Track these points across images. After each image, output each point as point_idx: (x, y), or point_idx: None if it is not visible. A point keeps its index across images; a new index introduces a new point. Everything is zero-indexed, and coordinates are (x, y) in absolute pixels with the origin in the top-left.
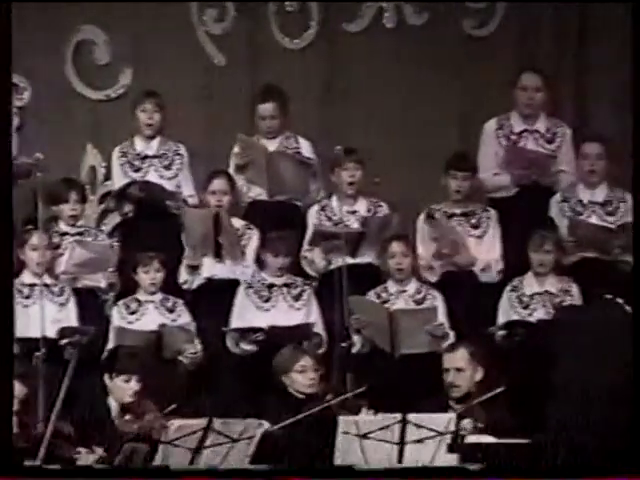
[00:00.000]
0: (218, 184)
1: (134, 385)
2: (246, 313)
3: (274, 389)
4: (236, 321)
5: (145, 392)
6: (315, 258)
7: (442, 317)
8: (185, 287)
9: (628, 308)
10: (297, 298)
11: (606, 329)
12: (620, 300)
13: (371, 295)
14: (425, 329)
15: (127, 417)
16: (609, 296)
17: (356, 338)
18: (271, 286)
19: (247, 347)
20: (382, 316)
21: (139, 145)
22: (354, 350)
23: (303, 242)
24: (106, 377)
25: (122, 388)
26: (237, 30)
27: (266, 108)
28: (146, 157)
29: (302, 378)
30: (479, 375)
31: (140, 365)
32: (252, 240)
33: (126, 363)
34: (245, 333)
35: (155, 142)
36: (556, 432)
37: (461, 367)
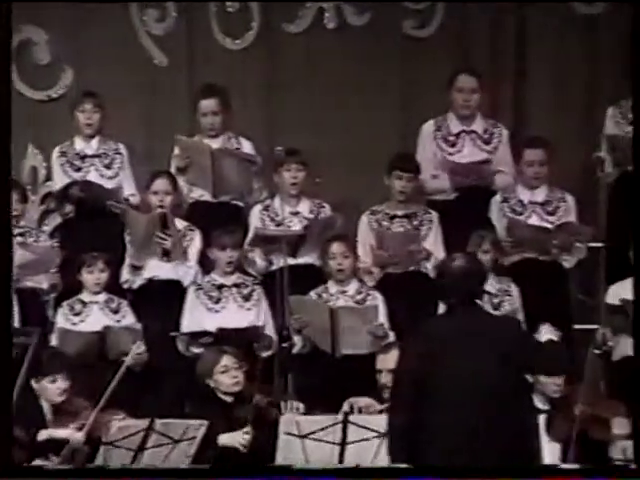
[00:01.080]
0: (160, 184)
1: (61, 384)
2: (196, 314)
3: (202, 393)
4: (186, 323)
5: (75, 390)
6: (256, 258)
7: (382, 318)
8: (126, 286)
9: (494, 312)
10: (247, 298)
11: (477, 335)
12: (480, 303)
13: (312, 295)
14: (366, 329)
15: (61, 417)
16: (476, 301)
17: (297, 338)
18: (221, 287)
19: (197, 350)
20: (324, 315)
21: (79, 145)
22: (295, 350)
23: (246, 242)
24: (33, 381)
25: (49, 389)
26: (178, 30)
27: (208, 104)
28: (86, 157)
29: (225, 378)
30: None
31: (64, 364)
32: (194, 241)
33: (49, 364)
34: (195, 336)
35: (94, 141)
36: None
37: (393, 368)
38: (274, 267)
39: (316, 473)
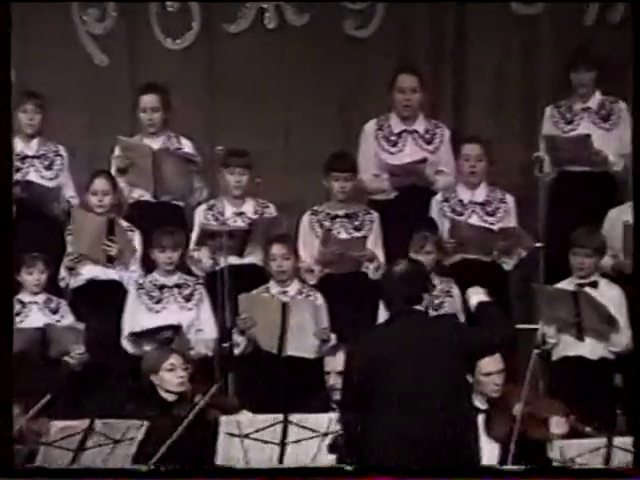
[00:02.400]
0: (99, 184)
1: None
2: (137, 315)
3: (145, 390)
4: (127, 323)
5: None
6: (202, 257)
7: (325, 318)
8: (62, 284)
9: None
10: (188, 298)
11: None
12: (420, 308)
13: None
14: (313, 331)
15: None
16: (416, 307)
17: (240, 339)
18: (162, 287)
19: (142, 349)
20: (275, 312)
21: (19, 145)
22: (237, 351)
23: (189, 242)
24: None
25: None
26: (118, 30)
27: (147, 100)
28: (26, 157)
29: (171, 377)
30: None
31: None
32: (134, 242)
33: None
34: (143, 335)
35: (34, 142)
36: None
37: (342, 370)
38: (217, 267)
39: (258, 474)
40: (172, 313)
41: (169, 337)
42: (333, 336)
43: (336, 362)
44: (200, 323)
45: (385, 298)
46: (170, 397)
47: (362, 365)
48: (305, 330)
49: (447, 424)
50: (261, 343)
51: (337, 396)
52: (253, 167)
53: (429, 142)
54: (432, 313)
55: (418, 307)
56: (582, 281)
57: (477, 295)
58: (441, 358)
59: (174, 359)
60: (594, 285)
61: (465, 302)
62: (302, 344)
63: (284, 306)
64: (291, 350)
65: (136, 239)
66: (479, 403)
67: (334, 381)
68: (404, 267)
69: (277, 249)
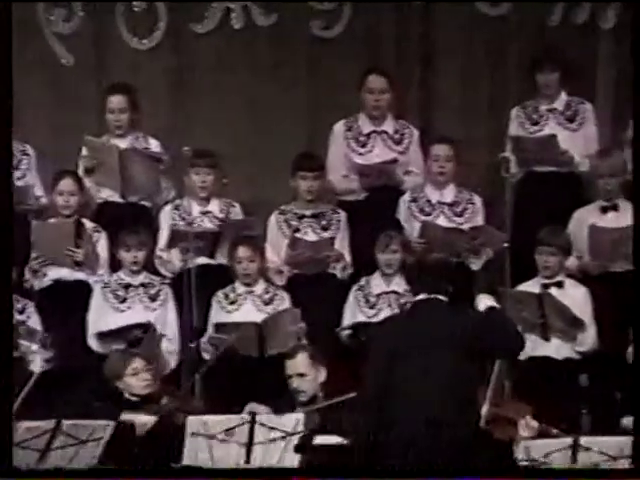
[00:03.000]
0: (65, 185)
1: None
2: (102, 314)
3: (110, 393)
4: (92, 322)
5: None
6: (172, 259)
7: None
8: (27, 285)
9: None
10: (154, 298)
11: (435, 327)
12: (443, 298)
13: (219, 295)
14: (289, 330)
15: None
16: (433, 295)
17: (210, 349)
18: (128, 286)
19: (110, 348)
20: (250, 331)
21: None
22: (206, 356)
23: (157, 242)
24: None
25: None
26: (85, 30)
27: (115, 101)
28: None
29: (136, 381)
30: (322, 376)
31: None
32: (100, 242)
33: None
34: (111, 334)
35: None
36: (399, 431)
37: (303, 372)
38: (185, 267)
39: (225, 474)
40: (137, 312)
41: (138, 336)
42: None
43: (297, 364)
44: (165, 323)
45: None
46: (137, 399)
47: (382, 352)
48: (281, 334)
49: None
50: (241, 351)
51: (301, 397)
52: (220, 167)
53: (398, 143)
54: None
55: (442, 298)
56: (548, 281)
57: (486, 301)
58: (457, 350)
59: (137, 363)
60: (560, 285)
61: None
62: (280, 344)
63: (257, 326)
64: (271, 350)
65: (103, 240)
66: None
67: (297, 384)
68: (433, 259)
69: (243, 251)
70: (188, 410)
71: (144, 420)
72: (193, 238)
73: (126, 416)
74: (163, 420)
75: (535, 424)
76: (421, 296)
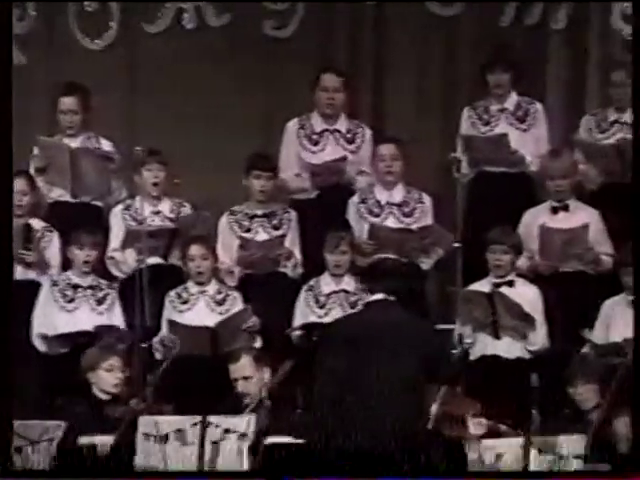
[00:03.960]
0: (18, 185)
1: None
2: (49, 313)
3: (78, 389)
4: (38, 321)
5: None
6: (126, 259)
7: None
8: None
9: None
10: (101, 302)
11: (385, 328)
12: (394, 299)
13: (172, 296)
14: (242, 329)
15: None
16: (384, 296)
17: (161, 349)
18: (76, 287)
19: (55, 349)
20: (204, 336)
21: None
22: (158, 356)
23: (109, 242)
24: None
25: None
26: (37, 30)
27: (67, 102)
28: None
29: (109, 377)
30: (267, 376)
31: None
32: (52, 242)
33: None
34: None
35: None
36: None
37: (248, 375)
38: (137, 267)
39: (177, 475)
40: (83, 314)
41: (84, 342)
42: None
43: (241, 368)
44: (111, 327)
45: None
46: (104, 396)
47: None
48: (236, 334)
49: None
50: (195, 352)
51: (248, 400)
52: (172, 167)
53: (351, 142)
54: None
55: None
56: (499, 280)
57: None
58: (410, 353)
59: (114, 360)
60: (511, 284)
61: None
62: (233, 343)
63: (212, 331)
64: (225, 350)
65: (54, 240)
66: None
67: (243, 387)
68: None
69: (195, 250)
70: (155, 413)
71: (105, 440)
72: (147, 237)
73: (84, 440)
74: (124, 435)
75: (484, 422)
76: (374, 297)
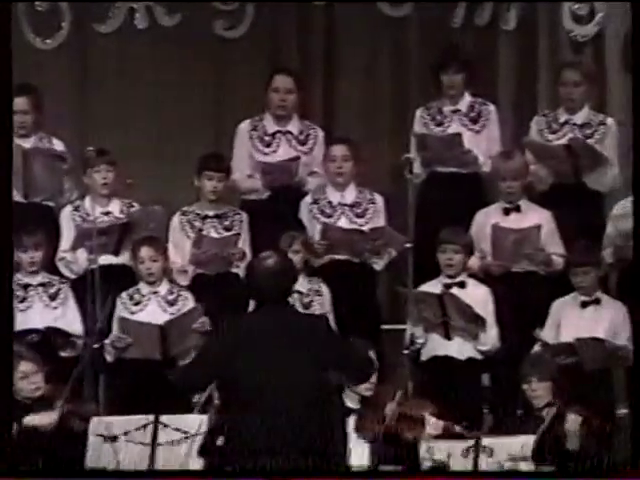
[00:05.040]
0: None
1: None
2: None
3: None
4: None
5: None
6: (77, 259)
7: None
8: None
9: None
10: (53, 297)
11: (283, 332)
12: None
13: (123, 297)
14: (192, 329)
15: None
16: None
17: (112, 351)
18: (26, 286)
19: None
20: (153, 333)
21: None
22: (109, 358)
23: (60, 243)
24: None
25: None
26: None
27: (18, 103)
28: None
29: (25, 384)
30: None
31: None
32: None
33: None
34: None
35: None
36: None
37: None
38: (88, 268)
39: (128, 475)
40: (37, 312)
41: (36, 340)
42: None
43: None
44: (66, 322)
45: (254, 290)
46: (29, 402)
47: (222, 359)
48: (186, 334)
49: (310, 423)
50: (144, 355)
51: (195, 400)
52: (124, 167)
53: (303, 143)
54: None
55: (286, 301)
56: (450, 281)
57: None
58: (309, 355)
59: (24, 366)
60: (462, 285)
61: (334, 302)
62: (183, 343)
63: (160, 327)
64: (174, 350)
65: None
66: (351, 403)
67: None
68: (273, 259)
69: (145, 251)
70: (82, 413)
71: (46, 419)
72: (98, 235)
73: (28, 419)
74: (61, 422)
75: (440, 422)
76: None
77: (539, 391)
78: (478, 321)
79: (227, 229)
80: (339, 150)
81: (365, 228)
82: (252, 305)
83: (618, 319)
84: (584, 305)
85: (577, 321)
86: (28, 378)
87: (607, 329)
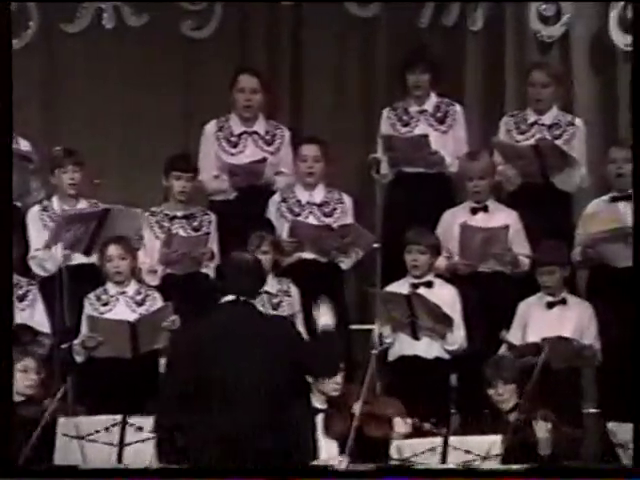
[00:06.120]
0: None
1: None
2: None
3: None
4: None
5: None
6: (49, 257)
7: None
8: None
9: (272, 312)
10: (22, 299)
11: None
12: (252, 300)
13: (91, 297)
14: (162, 326)
15: None
16: (242, 297)
17: (82, 351)
18: None
19: None
20: (123, 330)
21: None
22: (79, 359)
23: (29, 243)
24: None
25: None
26: None
27: None
28: None
29: (23, 378)
30: None
31: None
32: None
33: None
34: None
35: None
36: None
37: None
38: (55, 268)
39: (97, 474)
40: None
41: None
42: None
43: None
44: (34, 324)
45: (222, 290)
46: (17, 398)
47: (187, 356)
48: (156, 331)
49: (276, 423)
50: (114, 354)
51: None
52: (91, 166)
53: (269, 143)
54: (270, 312)
55: (252, 301)
56: (417, 281)
57: (323, 318)
58: (275, 355)
59: (28, 361)
60: (429, 285)
61: (302, 302)
62: (153, 340)
63: (131, 325)
64: (144, 348)
65: None
66: (318, 403)
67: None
68: (241, 260)
69: (113, 250)
70: (67, 414)
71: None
72: (73, 230)
73: None
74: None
75: (410, 421)
76: (228, 297)
77: (505, 395)
78: (446, 321)
79: (196, 229)
80: (310, 150)
81: (334, 227)
82: (217, 305)
83: (584, 319)
84: (550, 305)
85: (543, 321)
86: (27, 373)
87: (573, 329)
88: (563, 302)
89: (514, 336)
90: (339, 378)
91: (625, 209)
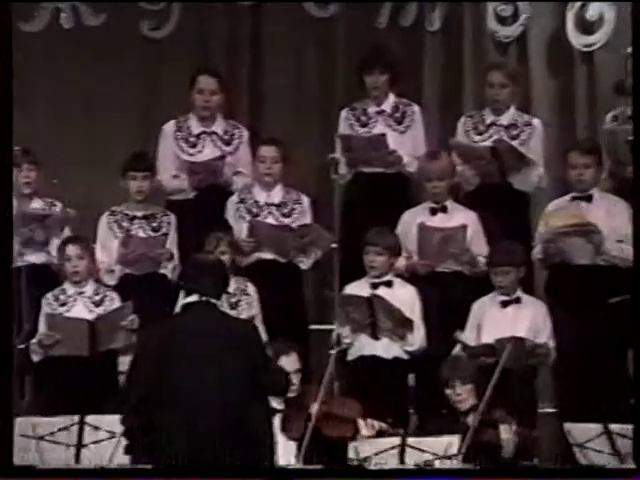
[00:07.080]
0: None
1: None
2: None
3: None
4: None
5: None
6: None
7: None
8: None
9: (231, 312)
10: None
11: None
12: (215, 301)
13: (49, 298)
14: (121, 326)
15: None
16: (205, 298)
17: (39, 350)
18: None
19: None
20: (82, 328)
21: None
22: (36, 359)
23: None
24: None
25: None
26: None
27: None
28: None
29: None
30: None
31: None
32: None
33: None
34: None
35: None
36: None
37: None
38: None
39: (55, 474)
40: None
41: None
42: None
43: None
44: None
45: (184, 290)
46: None
47: (151, 356)
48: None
49: (236, 423)
50: (71, 353)
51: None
52: (50, 167)
53: (228, 143)
54: (229, 311)
55: (214, 301)
56: (377, 280)
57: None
58: (232, 356)
59: None
60: (389, 284)
61: (261, 302)
62: (112, 339)
63: (90, 323)
64: (102, 347)
65: None
66: (275, 403)
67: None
68: (203, 261)
69: (71, 249)
70: (18, 413)
71: None
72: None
73: None
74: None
75: (367, 421)
76: (192, 298)
77: (463, 394)
78: (407, 324)
79: (155, 230)
80: (269, 151)
81: (293, 227)
82: (179, 306)
83: (539, 317)
84: (504, 305)
85: (498, 321)
86: None
87: (528, 328)
88: (517, 301)
89: (469, 336)
90: (295, 379)
91: (587, 207)
